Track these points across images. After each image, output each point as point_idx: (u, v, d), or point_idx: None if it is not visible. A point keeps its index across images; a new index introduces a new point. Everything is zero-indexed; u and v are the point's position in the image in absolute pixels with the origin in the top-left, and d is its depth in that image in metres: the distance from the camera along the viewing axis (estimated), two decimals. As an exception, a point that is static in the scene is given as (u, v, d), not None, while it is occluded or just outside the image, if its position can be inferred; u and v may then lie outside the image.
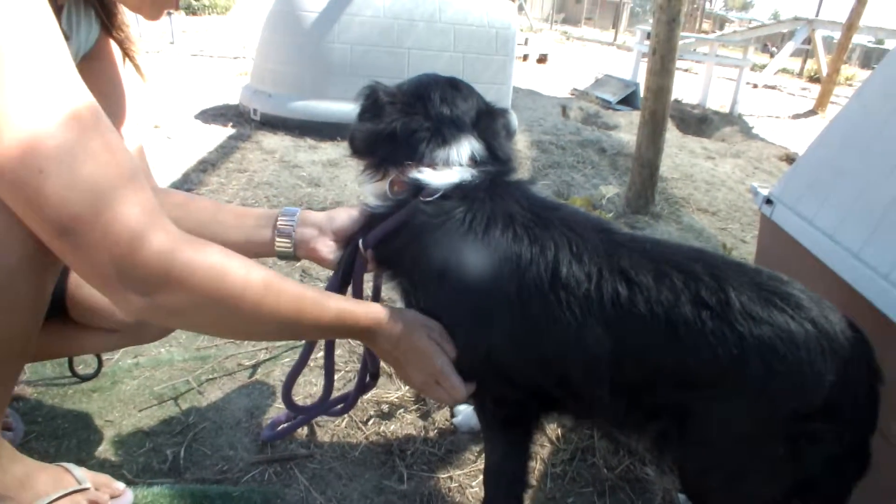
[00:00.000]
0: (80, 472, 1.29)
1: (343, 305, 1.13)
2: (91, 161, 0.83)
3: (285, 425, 1.58)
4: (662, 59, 3.43)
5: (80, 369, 1.71)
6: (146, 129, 4.13)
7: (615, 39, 23.31)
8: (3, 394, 1.12)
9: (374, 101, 1.30)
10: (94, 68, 1.24)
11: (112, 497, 1.29)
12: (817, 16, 13.58)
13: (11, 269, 0.91)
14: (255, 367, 1.86)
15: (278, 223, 1.35)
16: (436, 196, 1.19)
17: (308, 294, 1.07)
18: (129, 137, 1.29)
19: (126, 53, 1.30)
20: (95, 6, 1.20)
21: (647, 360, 1.09)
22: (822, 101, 10.01)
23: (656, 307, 1.05)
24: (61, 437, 1.52)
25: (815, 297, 1.07)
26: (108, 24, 1.24)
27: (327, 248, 1.36)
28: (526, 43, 12.08)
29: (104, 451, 1.49)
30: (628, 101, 7.57)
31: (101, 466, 1.43)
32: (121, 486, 1.32)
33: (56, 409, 1.60)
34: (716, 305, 1.03)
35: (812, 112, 9.84)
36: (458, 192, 1.20)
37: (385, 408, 1.73)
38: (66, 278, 1.32)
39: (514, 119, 1.39)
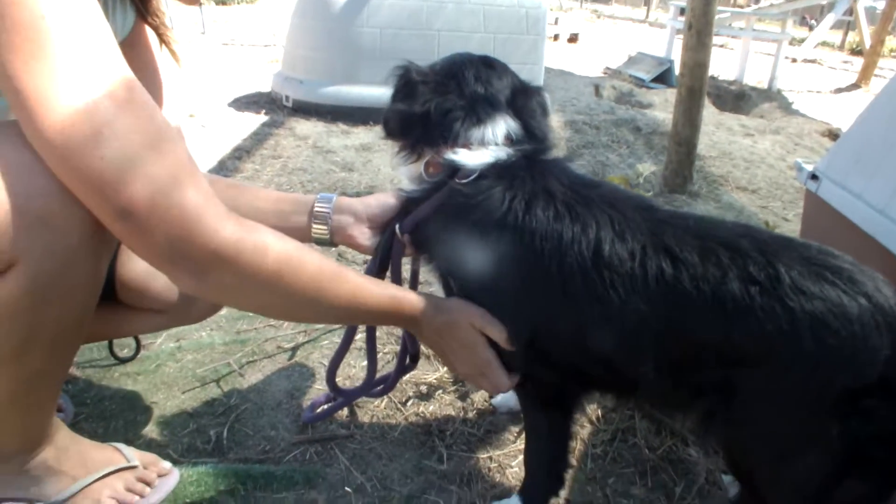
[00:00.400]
0: (130, 451, 1.33)
1: (392, 292, 1.15)
2: (149, 146, 0.85)
3: (325, 407, 1.60)
4: (699, 34, 3.34)
5: (122, 353, 1.75)
6: (182, 118, 4.19)
7: (647, 16, 22.81)
8: (61, 374, 1.16)
9: (406, 82, 1.28)
10: (131, 55, 1.25)
11: (159, 475, 1.32)
12: (859, -15, 13.08)
13: (73, 248, 0.93)
14: (294, 349, 1.88)
15: (315, 208, 1.36)
16: (472, 177, 1.18)
17: (359, 280, 1.10)
18: (171, 119, 1.30)
19: (162, 39, 1.31)
20: None
21: (693, 338, 1.06)
22: (865, 75, 9.66)
23: (703, 284, 1.03)
24: (109, 418, 1.56)
25: (868, 271, 1.03)
26: (144, 10, 1.25)
27: (363, 234, 1.37)
28: (556, 22, 11.90)
29: (150, 431, 1.53)
30: (662, 78, 7.41)
31: (148, 446, 1.46)
32: (167, 465, 1.35)
33: (103, 392, 1.64)
34: (765, 281, 1.00)
35: (855, 86, 9.52)
36: (495, 171, 1.18)
37: (424, 389, 1.73)
38: (115, 260, 1.35)
39: (549, 97, 1.37)
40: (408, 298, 1.17)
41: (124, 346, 1.77)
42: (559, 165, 1.24)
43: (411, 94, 1.27)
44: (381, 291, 1.14)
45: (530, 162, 1.21)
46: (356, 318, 1.25)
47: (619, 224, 1.10)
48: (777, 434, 1.07)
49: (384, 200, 1.39)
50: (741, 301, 1.00)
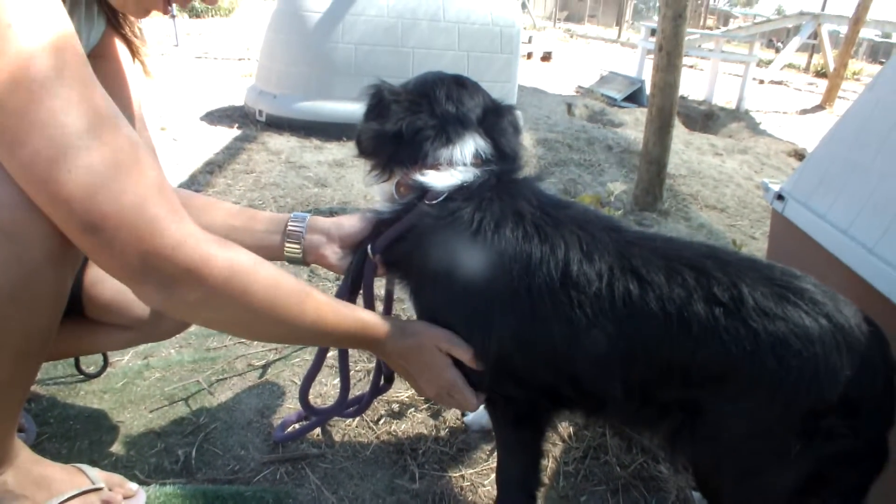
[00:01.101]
0: (94, 472, 1.29)
1: (358, 315, 1.15)
2: (116, 162, 0.84)
3: (297, 426, 1.58)
4: (669, 56, 3.42)
5: (88, 369, 1.71)
6: (153, 131, 4.14)
7: (619, 36, 23.25)
8: (23, 390, 1.13)
9: (379, 101, 1.29)
10: (100, 66, 1.24)
11: (125, 497, 1.29)
12: (823, 10, 13.52)
13: (37, 261, 0.91)
14: (265, 367, 1.86)
15: (289, 227, 1.35)
16: (440, 199, 1.19)
17: (326, 302, 1.10)
18: (142, 133, 1.29)
19: (132, 51, 1.29)
20: (100, 1, 1.19)
21: (659, 358, 1.08)
22: (829, 96, 9.96)
23: (668, 305, 1.04)
24: (73, 437, 1.52)
25: (830, 292, 1.06)
26: (115, 20, 1.23)
27: (335, 254, 1.37)
28: (530, 41, 12.07)
29: (116, 451, 1.49)
30: (634, 98, 7.55)
31: (114, 467, 1.43)
32: (134, 486, 1.32)
33: (68, 411, 1.60)
34: (729, 302, 1.02)
35: (819, 107, 9.80)
36: (463, 192, 1.19)
37: (396, 407, 1.72)
38: (82, 274, 1.32)
39: (521, 116, 1.39)
40: (373, 322, 1.17)
41: (91, 363, 1.74)
42: (528, 186, 1.25)
43: (384, 113, 1.27)
44: (348, 313, 1.14)
45: (499, 182, 1.22)
46: (322, 339, 1.25)
47: (587, 245, 1.11)
48: (741, 452, 1.09)
49: (357, 221, 1.39)
50: (706, 322, 1.02)
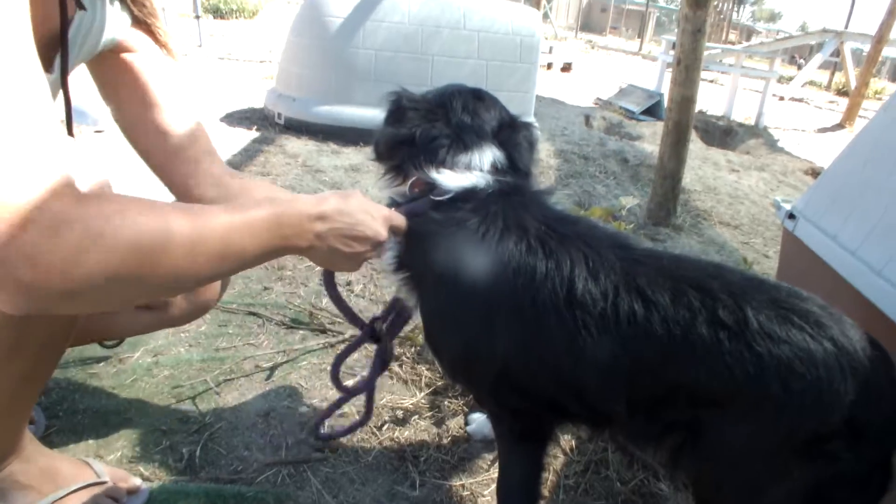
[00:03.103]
0: (100, 466, 1.32)
1: (267, 212, 0.98)
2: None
3: (334, 426, 1.64)
4: (687, 70, 3.41)
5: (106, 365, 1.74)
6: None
7: (640, 49, 23.20)
8: (43, 380, 1.17)
9: (398, 107, 1.32)
10: (134, 60, 1.27)
11: (129, 493, 1.31)
12: (846, 28, 13.38)
13: None
14: (272, 369, 1.88)
15: None
16: (448, 196, 1.21)
17: (233, 219, 0.93)
18: (185, 116, 1.34)
19: (151, 33, 1.29)
20: None
21: (663, 378, 1.08)
22: (850, 115, 9.86)
23: (673, 327, 1.04)
24: (81, 432, 1.54)
25: (836, 315, 1.05)
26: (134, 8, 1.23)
27: None
28: (550, 51, 12.07)
29: (122, 447, 1.51)
30: (652, 111, 7.52)
31: (119, 462, 1.45)
32: (137, 481, 1.35)
33: (76, 405, 1.63)
34: (733, 325, 1.02)
35: (839, 126, 9.71)
36: (472, 197, 1.21)
37: (399, 413, 1.73)
38: None
39: (537, 132, 1.40)
40: (281, 206, 1.01)
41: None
42: (536, 199, 1.26)
43: (401, 119, 1.30)
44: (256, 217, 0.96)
45: (508, 193, 1.23)
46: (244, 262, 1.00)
47: (593, 262, 1.12)
48: (743, 472, 1.08)
49: None
50: (710, 344, 1.02)
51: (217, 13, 14.85)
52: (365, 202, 1.14)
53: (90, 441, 1.52)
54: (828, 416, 1.00)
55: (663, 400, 1.10)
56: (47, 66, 1.01)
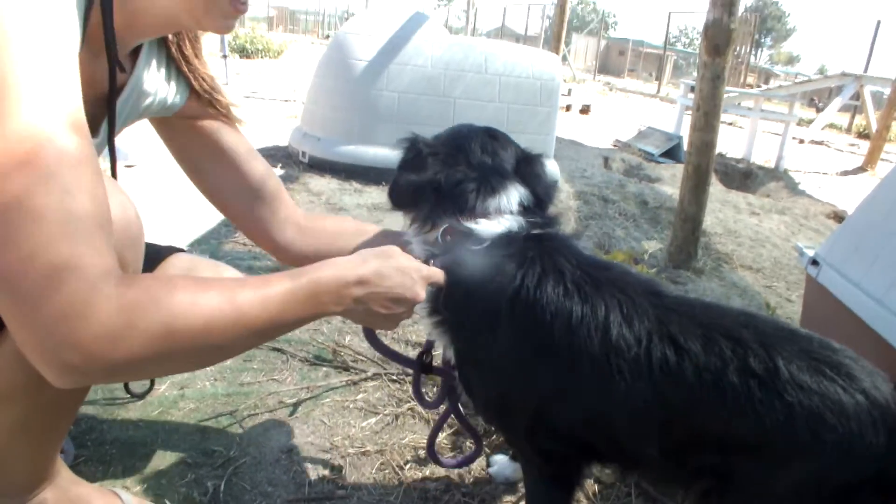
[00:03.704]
0: (128, 496, 1.35)
1: (304, 279, 1.00)
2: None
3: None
4: (706, 116, 3.45)
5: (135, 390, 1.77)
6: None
7: (658, 91, 23.40)
8: (76, 406, 1.21)
9: (416, 154, 1.33)
10: (194, 126, 1.35)
11: (155, 525, 1.33)
12: (866, 71, 13.43)
13: None
14: (296, 405, 1.90)
15: None
16: (485, 244, 1.22)
17: (268, 293, 0.94)
18: (256, 169, 1.43)
19: (212, 105, 1.35)
20: (174, 58, 1.27)
21: (693, 424, 1.09)
22: (871, 158, 9.84)
23: (704, 374, 1.06)
24: (108, 462, 1.57)
25: (867, 367, 1.06)
26: (190, 75, 1.30)
27: None
28: (569, 94, 12.23)
29: (148, 478, 1.53)
30: (671, 153, 7.57)
31: (145, 493, 1.47)
32: (164, 515, 1.36)
33: (104, 435, 1.65)
34: (764, 374, 1.03)
35: (861, 169, 9.68)
36: (507, 241, 1.23)
37: (422, 453, 1.74)
38: None
39: (553, 165, 1.42)
40: (320, 273, 1.02)
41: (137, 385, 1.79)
42: (568, 244, 1.28)
43: (421, 166, 1.31)
44: (274, 292, 0.96)
45: (541, 238, 1.25)
46: (279, 330, 1.01)
47: (627, 309, 1.13)
48: None
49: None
50: (740, 393, 1.03)
51: (243, 53, 15.27)
52: (404, 262, 1.13)
53: (117, 471, 1.54)
54: (859, 467, 1.00)
55: (693, 445, 1.11)
56: (93, 130, 1.06)
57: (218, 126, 1.38)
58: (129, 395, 1.74)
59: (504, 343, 1.19)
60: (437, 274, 1.20)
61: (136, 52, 1.19)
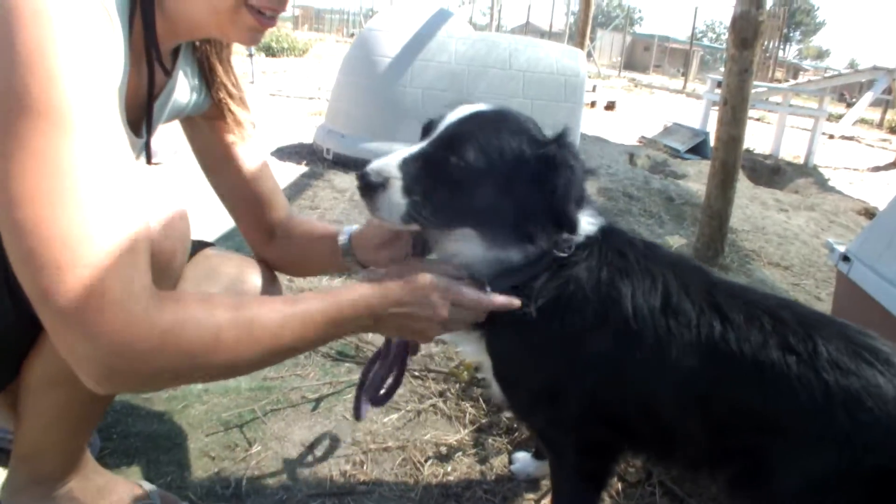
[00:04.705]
0: (152, 488, 1.37)
1: (334, 300, 1.05)
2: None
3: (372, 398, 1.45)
4: (734, 110, 3.40)
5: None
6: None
7: (684, 87, 23.12)
8: (104, 407, 1.25)
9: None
10: (219, 126, 1.39)
11: (178, 517, 1.35)
12: (899, 66, 13.13)
13: None
14: (318, 400, 1.90)
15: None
16: (575, 246, 1.18)
17: (285, 312, 0.99)
18: (258, 175, 1.47)
19: (221, 109, 1.38)
20: (200, 61, 1.31)
21: (732, 399, 1.08)
22: (904, 154, 9.62)
23: (745, 347, 1.06)
24: (133, 455, 1.59)
25: None
26: (210, 80, 1.34)
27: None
28: (594, 90, 12.12)
29: (171, 471, 1.55)
30: (697, 149, 7.47)
31: (168, 487, 1.48)
32: (187, 507, 1.38)
33: (129, 429, 1.67)
34: (803, 352, 1.03)
35: (893, 165, 9.47)
36: (589, 242, 1.20)
37: (443, 450, 1.73)
38: None
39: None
40: (350, 298, 1.06)
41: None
42: (623, 232, 1.27)
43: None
44: (315, 306, 1.02)
45: (605, 229, 1.23)
46: (300, 347, 1.05)
47: (682, 280, 1.14)
48: None
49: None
50: (779, 368, 1.03)
51: (269, 51, 15.40)
52: (431, 289, 1.10)
53: (141, 464, 1.56)
54: (894, 453, 0.99)
55: (730, 423, 1.10)
56: (137, 130, 1.17)
57: (234, 135, 1.42)
58: None
59: (561, 332, 1.15)
60: (490, 303, 1.14)
61: (175, 54, 1.22)
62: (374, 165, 1.12)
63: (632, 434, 1.24)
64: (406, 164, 1.12)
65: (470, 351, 1.33)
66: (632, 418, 1.20)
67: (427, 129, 1.24)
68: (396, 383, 1.42)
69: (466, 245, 1.18)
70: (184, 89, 1.29)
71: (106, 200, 0.83)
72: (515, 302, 1.14)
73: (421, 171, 1.12)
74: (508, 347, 1.24)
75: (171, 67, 1.20)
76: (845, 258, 1.88)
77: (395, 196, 1.11)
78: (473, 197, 1.12)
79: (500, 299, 1.14)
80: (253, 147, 1.46)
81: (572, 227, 1.14)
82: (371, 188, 1.11)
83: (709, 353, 1.08)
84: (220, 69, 1.33)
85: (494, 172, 1.12)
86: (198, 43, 1.28)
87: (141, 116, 1.18)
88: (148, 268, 0.87)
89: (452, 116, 1.18)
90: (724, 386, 1.09)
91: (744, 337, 1.06)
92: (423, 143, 1.16)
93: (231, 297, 0.99)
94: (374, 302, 1.07)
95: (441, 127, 1.17)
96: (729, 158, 3.46)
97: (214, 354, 0.89)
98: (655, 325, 1.11)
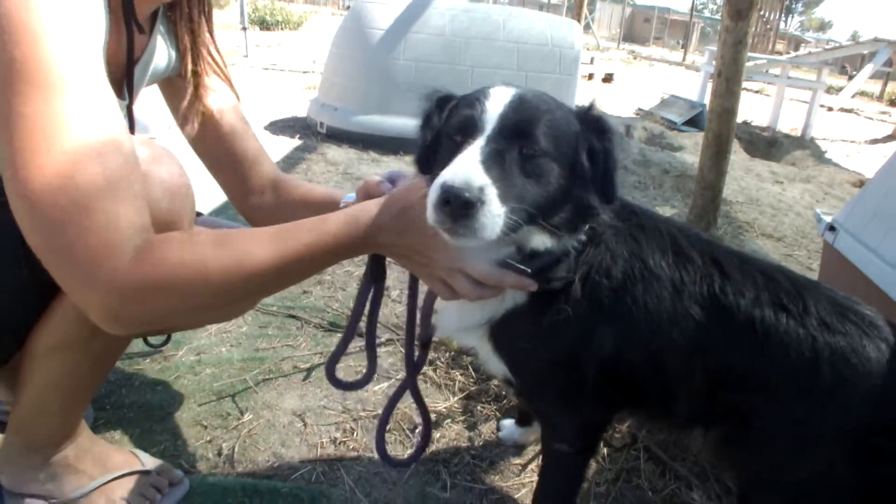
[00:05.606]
0: (146, 456, 1.40)
1: (325, 229, 1.02)
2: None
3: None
4: (728, 82, 3.38)
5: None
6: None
7: (684, 59, 22.91)
8: (111, 364, 1.30)
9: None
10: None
11: (171, 484, 1.37)
12: (900, 37, 13.00)
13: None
14: (309, 370, 1.93)
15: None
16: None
17: (278, 240, 0.99)
18: (239, 131, 1.48)
19: (191, 74, 1.38)
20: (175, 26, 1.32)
21: (728, 351, 1.11)
22: (902, 127, 9.58)
23: (739, 299, 1.09)
24: (126, 424, 1.61)
25: (891, 322, 1.10)
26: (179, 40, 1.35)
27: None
28: (592, 62, 12.02)
29: (164, 440, 1.58)
30: (694, 122, 7.43)
31: (162, 455, 1.51)
32: (179, 474, 1.41)
33: (123, 399, 1.70)
34: (793, 309, 1.07)
35: (891, 137, 9.43)
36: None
37: (433, 416, 1.76)
38: None
39: None
40: (344, 220, 1.04)
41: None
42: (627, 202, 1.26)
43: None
44: (306, 235, 1.01)
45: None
46: (297, 273, 1.06)
47: (686, 237, 1.17)
48: (786, 465, 1.11)
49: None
50: (769, 323, 1.06)
51: (263, 25, 15.23)
52: (406, 201, 1.05)
53: (135, 433, 1.59)
54: (877, 410, 1.03)
55: (723, 379, 1.13)
56: (119, 92, 1.18)
57: (216, 94, 1.42)
58: (148, 347, 1.83)
59: (611, 284, 1.12)
60: (519, 283, 1.06)
61: (153, 18, 1.24)
62: (455, 178, 0.89)
63: (637, 395, 1.24)
64: (489, 167, 0.93)
65: (468, 340, 1.27)
66: (641, 377, 1.19)
67: (441, 105, 1.21)
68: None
69: (535, 238, 1.05)
70: (162, 52, 1.30)
71: (98, 144, 0.86)
72: (530, 285, 1.06)
73: (504, 172, 0.95)
74: (533, 322, 1.16)
75: (150, 29, 1.21)
76: (832, 228, 1.89)
77: (494, 207, 0.90)
78: (550, 185, 1.01)
79: (512, 279, 1.05)
80: (232, 106, 1.46)
81: (615, 196, 1.08)
82: (470, 207, 0.88)
83: (710, 303, 1.11)
84: (185, 23, 1.33)
85: (562, 154, 1.03)
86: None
87: (122, 79, 1.19)
88: (141, 210, 0.90)
89: (497, 103, 1.04)
90: (721, 337, 1.11)
91: (738, 290, 1.09)
92: (483, 139, 0.98)
93: (216, 233, 0.98)
94: (356, 212, 1.05)
95: (493, 116, 1.01)
96: (723, 130, 3.45)
97: (205, 286, 0.92)
98: (672, 276, 1.13)
